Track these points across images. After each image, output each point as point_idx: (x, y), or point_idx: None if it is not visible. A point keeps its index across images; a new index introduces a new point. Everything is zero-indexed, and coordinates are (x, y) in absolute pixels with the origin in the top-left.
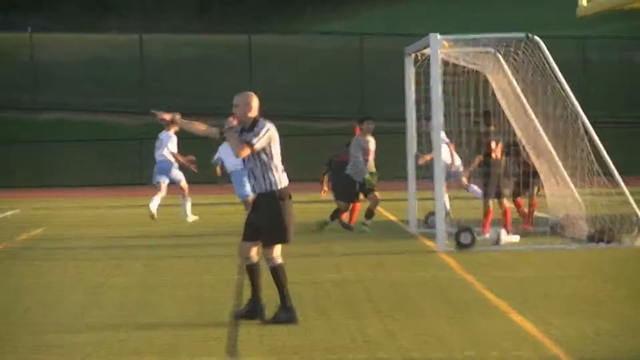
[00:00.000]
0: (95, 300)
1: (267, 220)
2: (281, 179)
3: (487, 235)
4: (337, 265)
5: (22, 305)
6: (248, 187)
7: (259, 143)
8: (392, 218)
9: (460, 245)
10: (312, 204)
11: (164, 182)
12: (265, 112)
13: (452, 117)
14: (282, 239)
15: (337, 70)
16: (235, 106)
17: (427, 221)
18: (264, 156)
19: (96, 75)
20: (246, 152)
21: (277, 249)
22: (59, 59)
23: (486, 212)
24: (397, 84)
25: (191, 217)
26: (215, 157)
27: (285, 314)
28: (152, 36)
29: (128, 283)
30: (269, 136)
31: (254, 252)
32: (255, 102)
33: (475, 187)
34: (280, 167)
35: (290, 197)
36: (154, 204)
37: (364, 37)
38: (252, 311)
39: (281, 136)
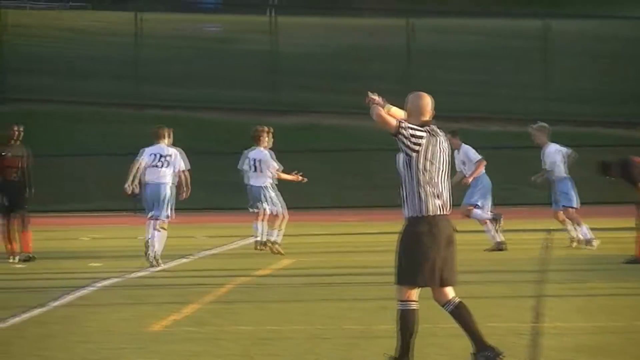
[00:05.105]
0: (349, 356)
1: (396, 251)
2: (427, 205)
3: None
4: (590, 309)
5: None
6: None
7: (409, 132)
8: None
9: None
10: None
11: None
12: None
13: None
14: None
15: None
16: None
17: None
18: (407, 169)
19: (347, 68)
20: (393, 124)
21: (449, 289)
22: (303, 48)
23: None
24: None
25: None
26: None
27: (484, 355)
28: (420, 21)
29: (393, 331)
30: (420, 143)
31: (414, 295)
32: (426, 106)
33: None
34: (432, 189)
35: (432, 229)
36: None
37: None
38: None
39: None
